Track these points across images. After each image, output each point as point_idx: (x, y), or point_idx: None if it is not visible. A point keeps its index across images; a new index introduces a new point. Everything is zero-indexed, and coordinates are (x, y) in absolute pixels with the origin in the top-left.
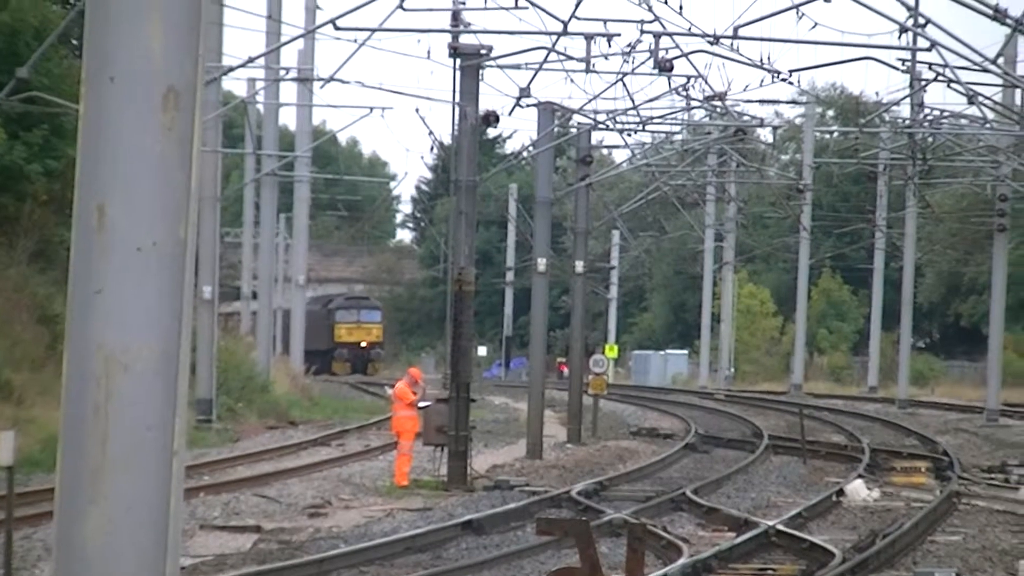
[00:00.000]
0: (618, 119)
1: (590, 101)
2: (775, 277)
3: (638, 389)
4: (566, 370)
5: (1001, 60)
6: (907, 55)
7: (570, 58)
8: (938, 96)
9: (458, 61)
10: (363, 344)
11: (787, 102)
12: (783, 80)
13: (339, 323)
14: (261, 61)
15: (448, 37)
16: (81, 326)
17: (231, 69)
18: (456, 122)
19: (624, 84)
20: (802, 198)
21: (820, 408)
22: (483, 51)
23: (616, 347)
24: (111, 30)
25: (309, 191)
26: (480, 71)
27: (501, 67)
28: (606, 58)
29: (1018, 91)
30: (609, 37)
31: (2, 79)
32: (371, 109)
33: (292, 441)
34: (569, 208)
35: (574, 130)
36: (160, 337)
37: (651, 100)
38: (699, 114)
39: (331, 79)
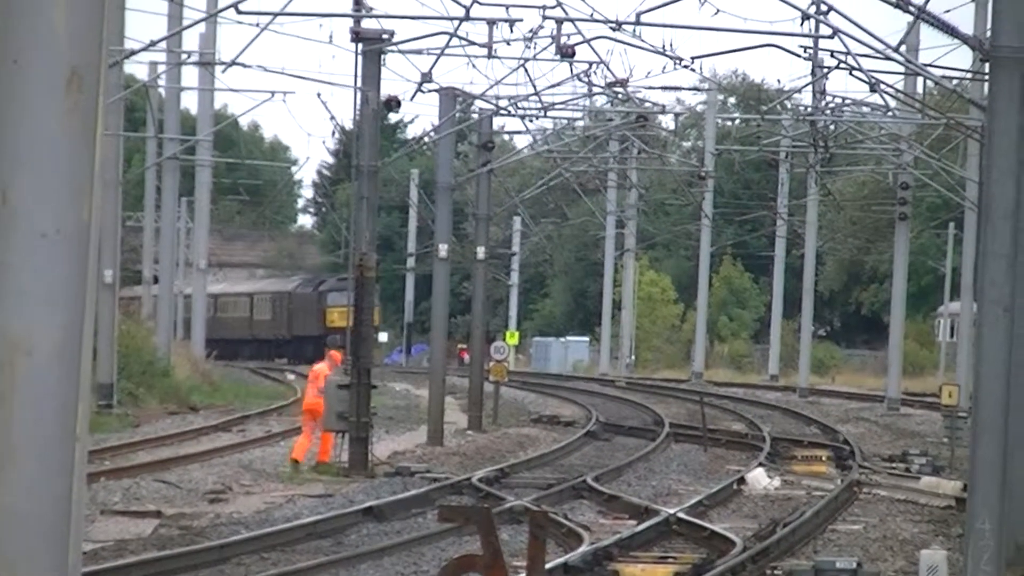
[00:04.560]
0: (520, 105)
1: (492, 87)
2: (676, 264)
3: (539, 376)
4: (467, 356)
5: (903, 48)
6: (809, 42)
7: (472, 43)
8: (840, 84)
9: (360, 46)
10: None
11: (689, 89)
12: (685, 67)
13: (331, 306)
14: (163, 44)
15: (350, 21)
16: None
17: (133, 52)
18: (358, 107)
19: (526, 70)
20: (703, 185)
21: (721, 396)
22: (385, 36)
23: (517, 334)
24: (14, 11)
25: (211, 175)
26: (382, 56)
27: (403, 52)
28: (508, 44)
29: (920, 79)
30: (511, 22)
31: None
32: (273, 93)
33: (193, 426)
34: (470, 194)
35: (476, 115)
36: (63, 322)
37: (553, 86)
38: (601, 100)
39: (233, 63)
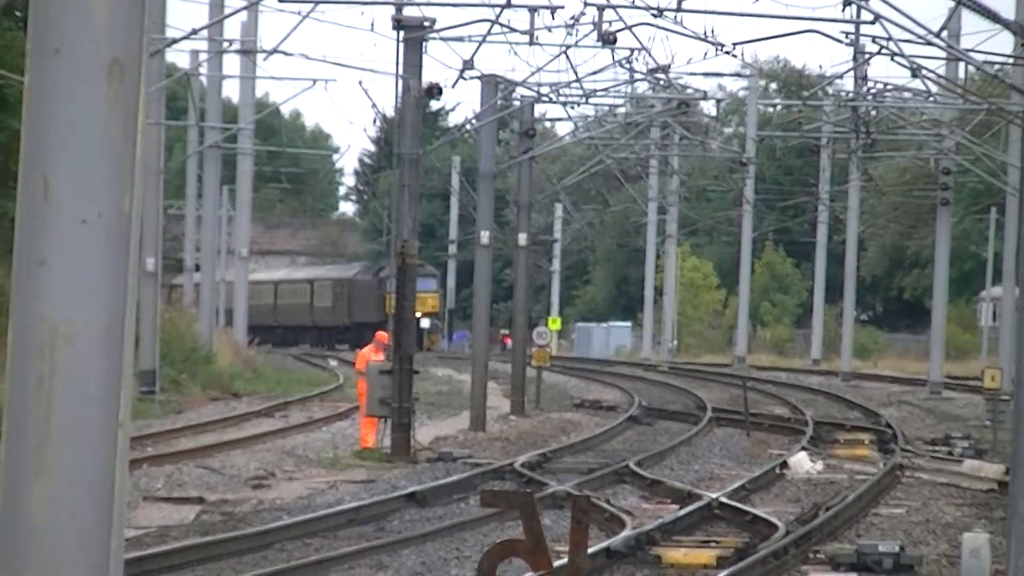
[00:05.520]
0: (561, 92)
1: (533, 74)
2: (718, 250)
3: (581, 361)
4: (509, 342)
5: (945, 33)
6: (851, 28)
7: (514, 30)
8: (882, 69)
9: (401, 33)
10: (418, 315)
11: (730, 75)
12: (726, 53)
13: (391, 293)
14: (204, 33)
15: (392, 9)
16: (25, 298)
17: (175, 41)
18: (399, 94)
19: (567, 57)
20: (745, 171)
21: (763, 381)
22: (426, 23)
23: (559, 320)
24: (56, 1)
25: (252, 163)
26: (423, 43)
27: (444, 39)
28: (549, 30)
29: (961, 64)
30: (553, 9)
31: None
32: (314, 81)
33: (235, 413)
34: (512, 181)
35: (517, 103)
36: (105, 309)
37: (594, 73)
38: (642, 87)
39: (274, 51)
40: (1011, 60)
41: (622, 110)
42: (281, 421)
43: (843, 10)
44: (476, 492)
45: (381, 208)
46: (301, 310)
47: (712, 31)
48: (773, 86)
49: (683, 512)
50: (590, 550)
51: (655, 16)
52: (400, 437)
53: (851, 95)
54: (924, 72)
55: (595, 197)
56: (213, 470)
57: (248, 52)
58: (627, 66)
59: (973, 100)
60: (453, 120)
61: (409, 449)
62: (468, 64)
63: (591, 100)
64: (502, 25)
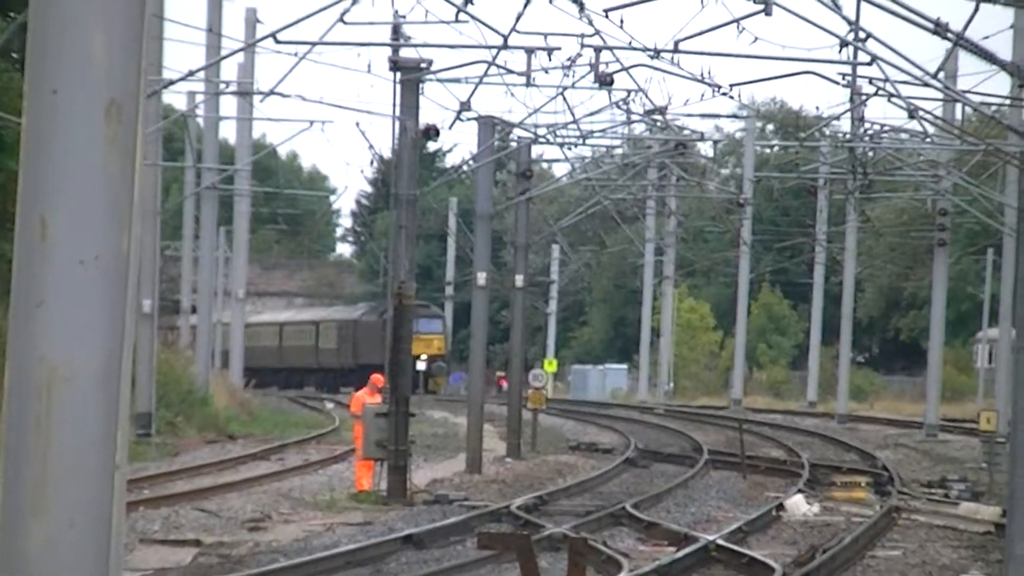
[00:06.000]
0: (558, 133)
1: (530, 115)
2: (715, 291)
3: (577, 404)
4: (505, 384)
5: (942, 74)
6: (847, 69)
7: (510, 72)
8: (879, 110)
9: (398, 75)
10: (423, 357)
11: (727, 116)
12: (723, 94)
13: None
14: (201, 74)
15: (388, 51)
16: (23, 338)
17: (172, 82)
18: (396, 136)
19: (564, 98)
20: (742, 212)
21: (760, 423)
22: (423, 65)
23: (555, 362)
24: (53, 42)
25: (249, 205)
26: (420, 85)
27: (441, 81)
28: (546, 72)
29: (958, 105)
30: (549, 51)
31: None
32: (311, 123)
33: (231, 455)
34: (509, 222)
35: (514, 144)
36: (102, 350)
37: (591, 114)
38: (639, 128)
39: (271, 93)
40: (1008, 101)
41: (619, 151)
42: (277, 464)
43: (840, 51)
44: (473, 534)
45: (378, 249)
46: (306, 352)
47: (709, 72)
48: (770, 127)
49: (680, 554)
50: None
51: (652, 57)
52: (396, 479)
53: (848, 136)
54: (921, 113)
55: (592, 238)
56: (210, 512)
57: (245, 93)
58: (624, 107)
59: (970, 141)
60: (450, 161)
61: (405, 491)
62: (465, 105)
63: (588, 141)
64: (499, 67)
